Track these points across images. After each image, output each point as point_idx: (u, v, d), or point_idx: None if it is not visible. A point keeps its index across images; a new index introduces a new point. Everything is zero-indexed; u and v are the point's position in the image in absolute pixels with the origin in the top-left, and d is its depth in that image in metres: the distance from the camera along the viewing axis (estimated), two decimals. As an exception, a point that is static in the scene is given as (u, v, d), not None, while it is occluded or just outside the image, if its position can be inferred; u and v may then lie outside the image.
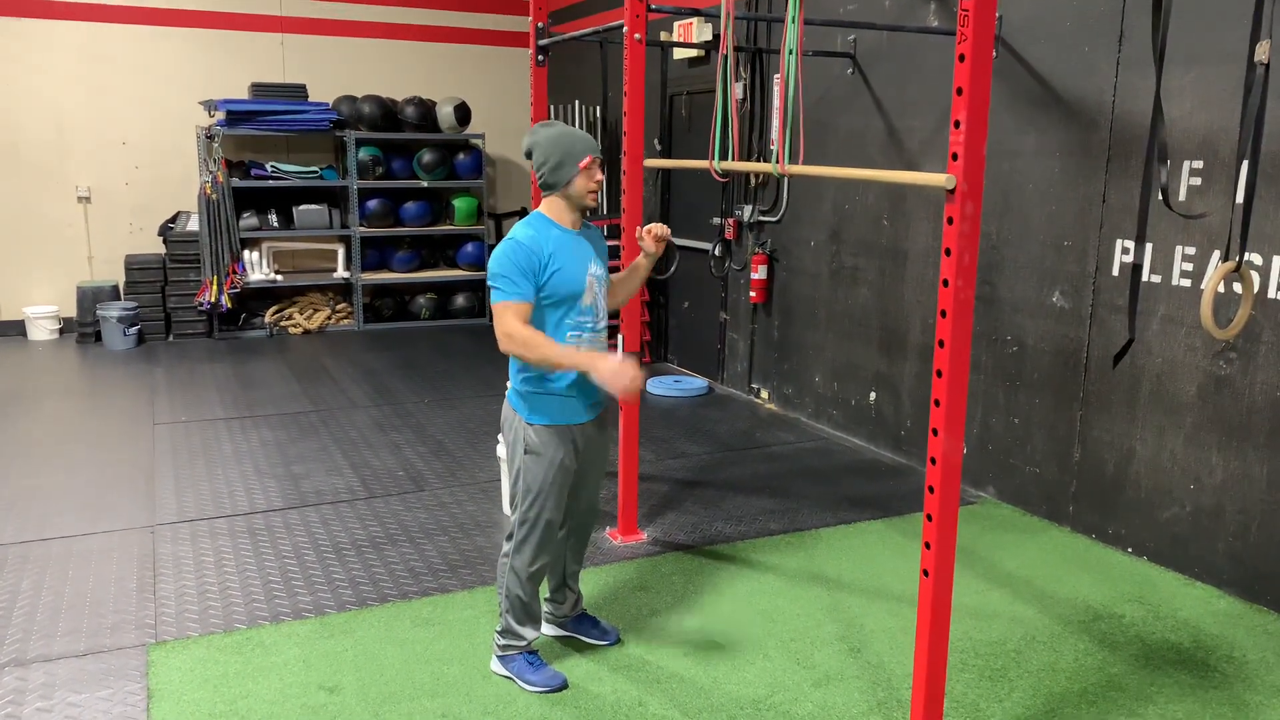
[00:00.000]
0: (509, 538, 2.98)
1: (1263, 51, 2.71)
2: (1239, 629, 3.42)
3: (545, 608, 3.27)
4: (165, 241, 8.33)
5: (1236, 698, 2.98)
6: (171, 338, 8.34)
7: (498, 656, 3.08)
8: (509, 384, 2.96)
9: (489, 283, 2.80)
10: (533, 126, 2.96)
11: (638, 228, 3.34)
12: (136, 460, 5.13)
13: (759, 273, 6.28)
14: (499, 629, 3.07)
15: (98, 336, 8.08)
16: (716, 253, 6.32)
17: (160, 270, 8.29)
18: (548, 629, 3.30)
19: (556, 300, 2.82)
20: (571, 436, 2.91)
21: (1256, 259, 3.49)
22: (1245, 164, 2.87)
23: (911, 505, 4.56)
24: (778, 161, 3.06)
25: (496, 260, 2.78)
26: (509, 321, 2.74)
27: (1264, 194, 3.39)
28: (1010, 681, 3.07)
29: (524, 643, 3.03)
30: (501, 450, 4.33)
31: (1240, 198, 2.95)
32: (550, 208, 2.91)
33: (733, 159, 3.43)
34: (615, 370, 2.66)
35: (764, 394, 6.51)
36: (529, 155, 2.90)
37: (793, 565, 3.92)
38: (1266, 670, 3.15)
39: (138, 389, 6.64)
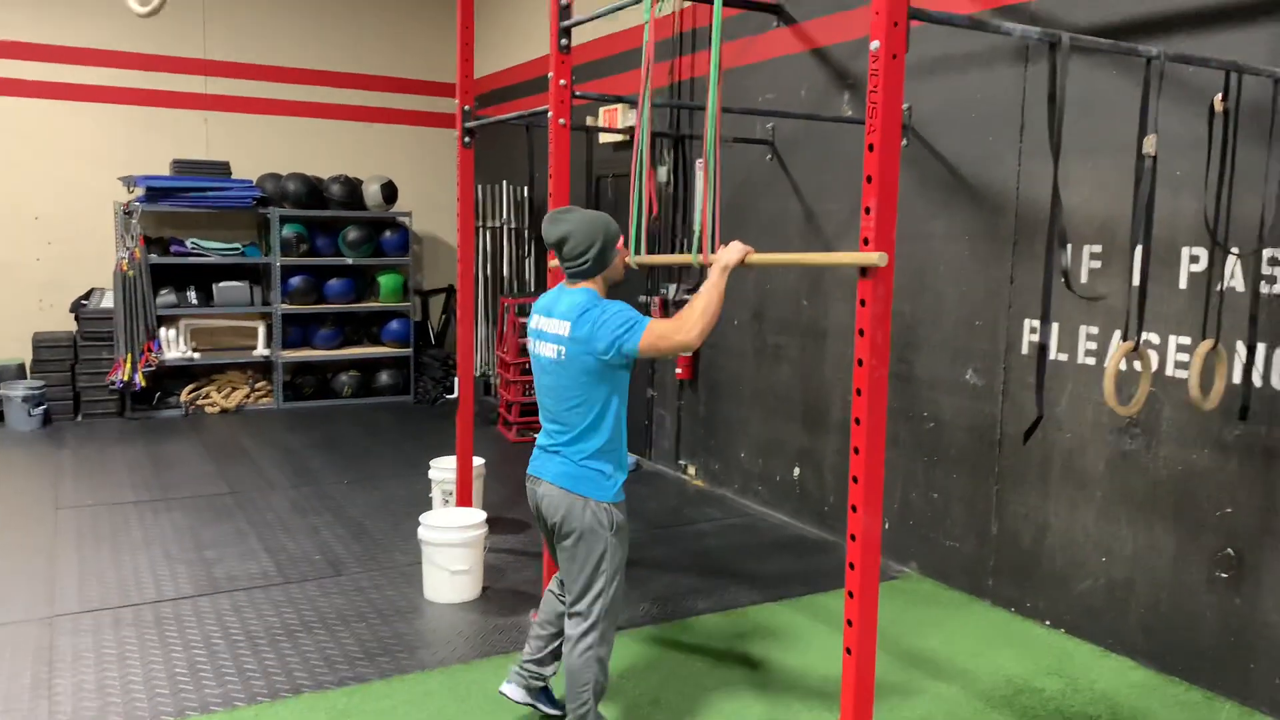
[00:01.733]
0: (587, 631, 2.91)
1: (1150, 145, 2.89)
2: (1153, 700, 3.49)
3: (528, 669, 3.22)
4: (77, 318, 8.10)
5: (1153, 769, 3.03)
6: (80, 418, 8.04)
7: None
8: (554, 469, 2.94)
9: (622, 332, 2.80)
10: (550, 213, 3.00)
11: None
12: (36, 547, 4.90)
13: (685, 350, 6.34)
14: None
15: (0, 417, 7.75)
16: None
17: (71, 348, 8.03)
18: (515, 691, 3.21)
19: (630, 364, 2.91)
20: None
21: (1154, 338, 3.65)
22: (1139, 249, 3.03)
23: (836, 581, 4.57)
24: (699, 252, 3.13)
25: (616, 314, 2.83)
26: (659, 328, 2.80)
27: (1158, 277, 3.57)
28: (935, 759, 3.07)
29: None
30: (427, 534, 4.25)
31: (1136, 280, 3.11)
32: (597, 288, 2.98)
33: (645, 250, 3.49)
34: (738, 249, 2.91)
35: (691, 470, 6.53)
36: (559, 244, 2.93)
37: (719, 645, 3.89)
38: (1181, 741, 3.20)
39: (41, 472, 6.37)
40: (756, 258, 2.91)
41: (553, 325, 2.94)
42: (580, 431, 2.90)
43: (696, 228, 3.20)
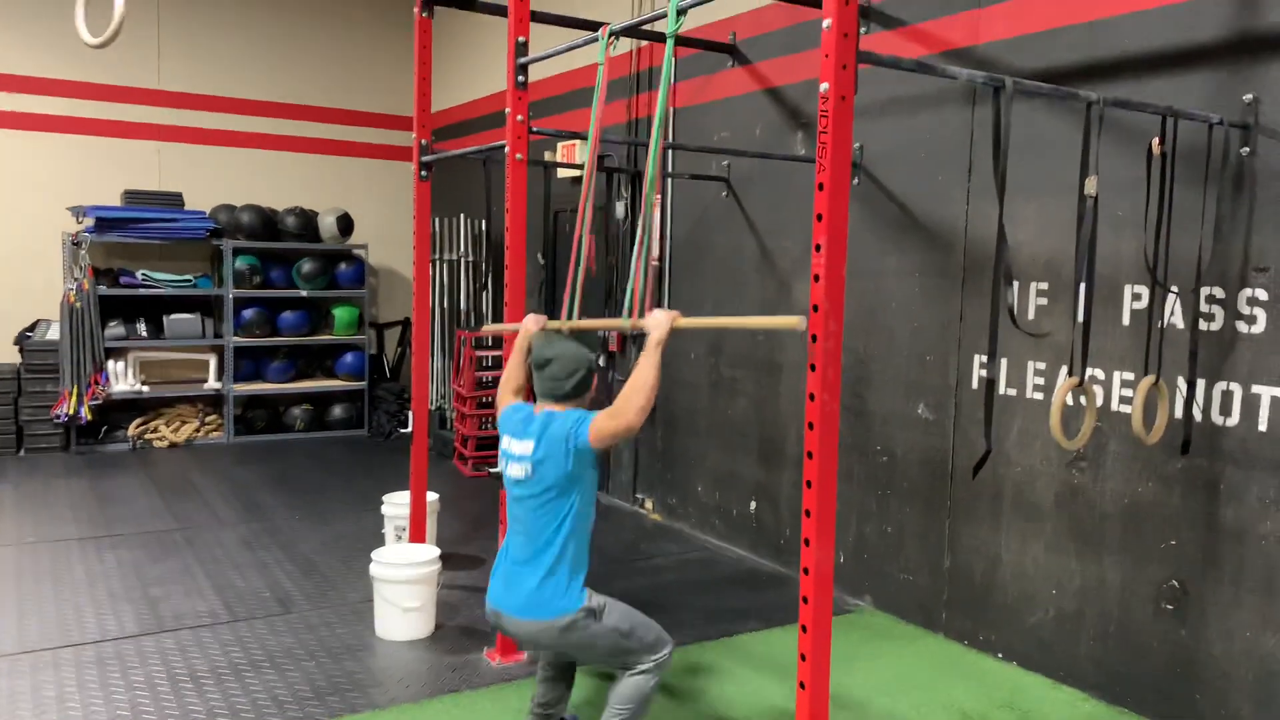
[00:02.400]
0: (646, 670, 3.09)
1: (1091, 186, 2.97)
2: (1103, 731, 3.53)
3: (540, 712, 3.27)
4: (21, 350, 7.92)
5: (1103, 801, 3.06)
6: (23, 452, 7.84)
7: None
8: (516, 600, 3.03)
9: (577, 429, 2.95)
10: (542, 336, 3.19)
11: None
12: (-27, 586, 4.75)
13: (641, 384, 6.36)
14: None
15: (-61, 451, 7.54)
16: (601, 364, 6.39)
17: (14, 380, 7.85)
18: None
19: (593, 463, 3.06)
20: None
21: (1099, 373, 3.74)
22: (1082, 286, 3.11)
23: (791, 615, 4.56)
24: (630, 315, 3.26)
25: (564, 418, 3.00)
26: (599, 420, 2.93)
27: (1100, 314, 3.66)
28: (890, 794, 3.07)
29: None
30: (379, 570, 4.20)
31: (1080, 317, 3.18)
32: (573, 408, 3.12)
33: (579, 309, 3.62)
34: (666, 317, 3.00)
35: (649, 504, 6.52)
36: (545, 364, 3.09)
37: (674, 681, 3.87)
38: (1130, 772, 3.24)
39: (-20, 508, 6.19)
40: (684, 322, 3.02)
41: (519, 446, 3.07)
42: (545, 541, 3.03)
43: (629, 290, 3.32)
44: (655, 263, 6.30)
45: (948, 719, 3.60)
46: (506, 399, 3.38)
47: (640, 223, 3.29)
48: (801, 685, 2.52)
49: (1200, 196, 3.34)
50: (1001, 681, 3.94)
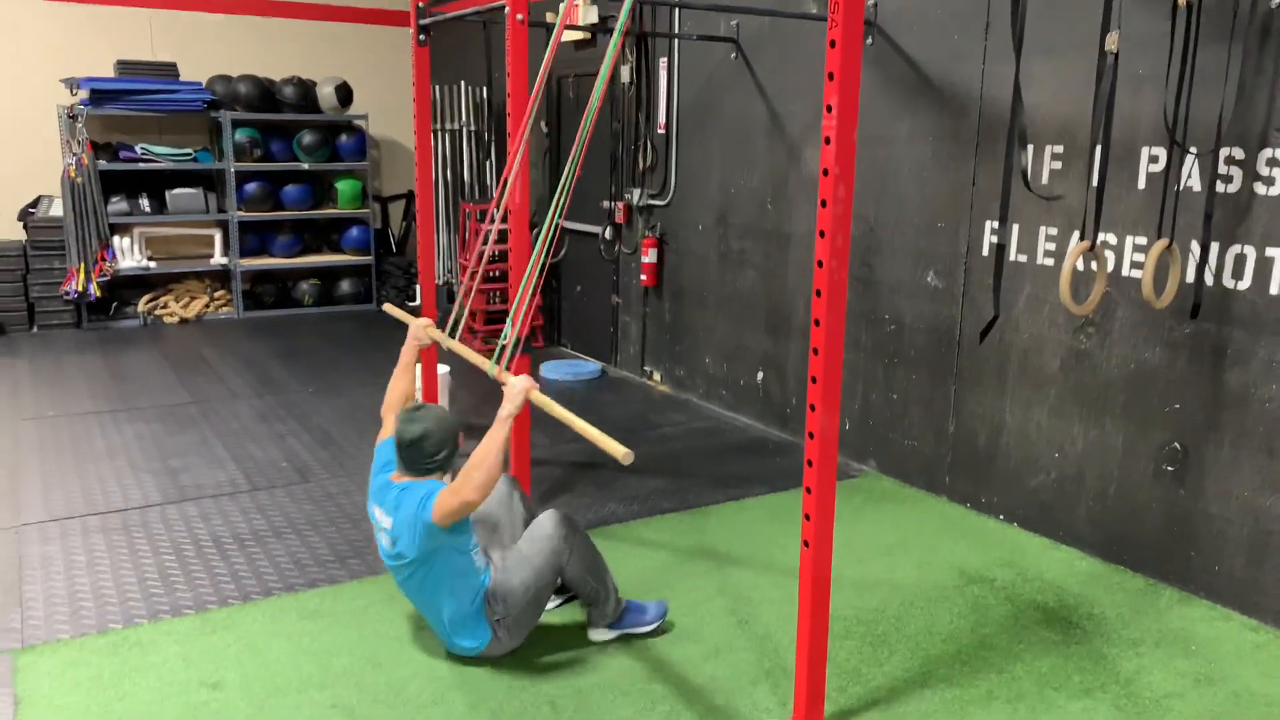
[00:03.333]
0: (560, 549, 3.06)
1: (1112, 42, 2.87)
2: (1099, 588, 3.64)
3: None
4: (26, 227, 7.88)
5: (1096, 651, 3.18)
6: (36, 329, 7.90)
7: (609, 626, 3.19)
8: (452, 641, 3.06)
9: (422, 509, 2.87)
10: (404, 411, 3.04)
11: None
12: (-2, 458, 4.87)
13: (649, 256, 6.33)
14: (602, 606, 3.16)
15: (-48, 329, 7.60)
16: (607, 236, 6.34)
17: (21, 258, 7.83)
18: (597, 633, 3.24)
19: (450, 531, 2.92)
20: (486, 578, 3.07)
21: (1111, 239, 3.70)
22: (1098, 149, 3.04)
23: (796, 480, 4.66)
24: (498, 364, 3.18)
25: (412, 496, 2.91)
26: (442, 498, 2.83)
27: (1115, 177, 3.59)
28: (890, 646, 3.20)
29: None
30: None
31: (1095, 181, 3.13)
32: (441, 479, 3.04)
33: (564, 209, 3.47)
34: (522, 389, 2.92)
35: (657, 376, 6.58)
36: (416, 441, 2.96)
37: (684, 542, 3.99)
38: (1123, 625, 3.36)
39: (-2, 383, 6.29)
40: (537, 398, 2.92)
41: (380, 516, 3.03)
42: (426, 606, 3.03)
43: (502, 337, 3.19)
44: (661, 130, 6.17)
45: (948, 576, 3.72)
46: (390, 416, 3.33)
47: (546, 222, 3.07)
48: (806, 544, 2.59)
49: (1224, 52, 3.23)
50: (1001, 542, 4.05)
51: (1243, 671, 3.08)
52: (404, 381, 3.47)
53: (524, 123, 3.52)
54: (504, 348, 3.16)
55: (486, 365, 3.23)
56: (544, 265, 3.27)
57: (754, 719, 2.79)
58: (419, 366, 4.90)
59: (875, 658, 3.13)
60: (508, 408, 2.90)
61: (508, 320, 3.28)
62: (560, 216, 3.16)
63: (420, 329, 3.56)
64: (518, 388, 2.93)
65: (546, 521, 3.07)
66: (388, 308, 4.30)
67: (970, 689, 2.95)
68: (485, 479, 2.80)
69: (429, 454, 2.97)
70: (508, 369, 3.11)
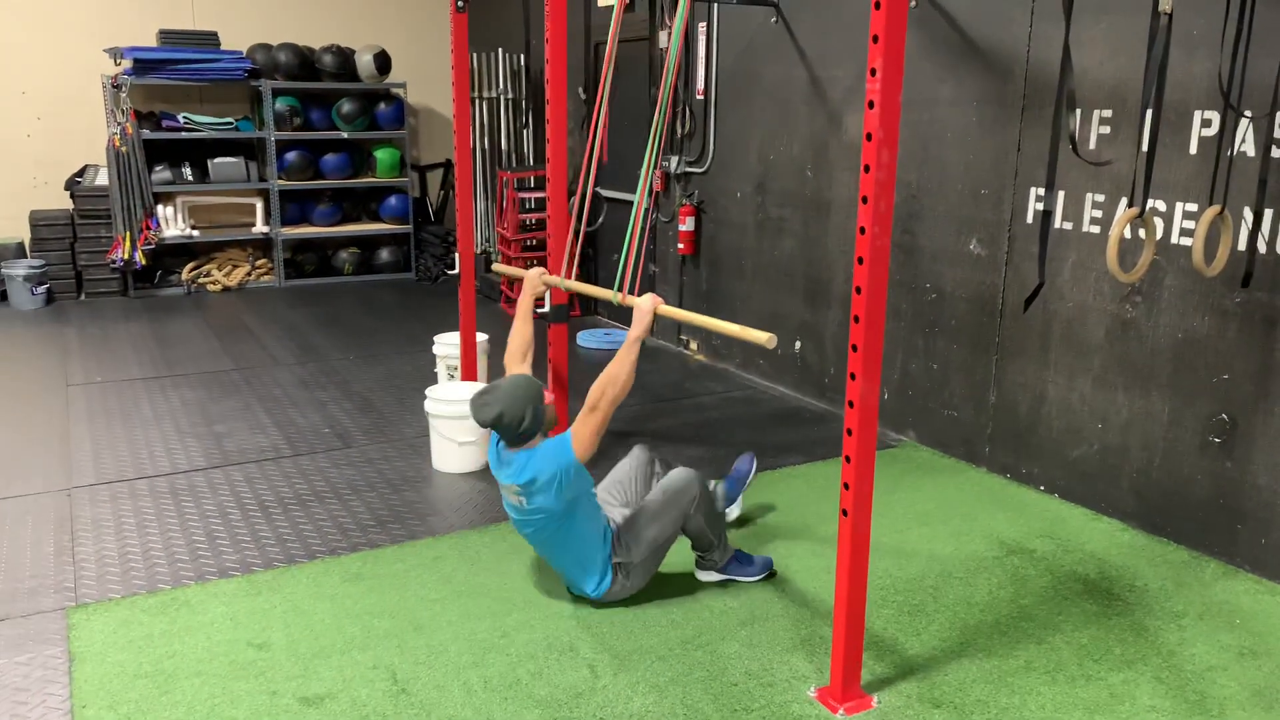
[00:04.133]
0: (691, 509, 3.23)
1: (1166, 1, 2.79)
2: (1141, 560, 3.60)
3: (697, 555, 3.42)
4: (73, 196, 8.02)
5: (1137, 623, 3.15)
6: (83, 296, 8.06)
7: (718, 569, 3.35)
8: (577, 582, 3.20)
9: (562, 462, 2.99)
10: (474, 398, 3.11)
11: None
12: (50, 423, 4.98)
13: (687, 224, 6.30)
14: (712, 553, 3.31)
15: (3, 296, 7.76)
16: (653, 216, 6.31)
17: (69, 226, 7.98)
18: (706, 575, 3.41)
19: (586, 480, 3.11)
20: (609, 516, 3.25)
21: (1160, 205, 3.61)
22: (1149, 113, 2.97)
23: (834, 450, 4.66)
24: (620, 290, 3.41)
25: (544, 456, 3.02)
26: (577, 428, 3.00)
27: (1167, 142, 3.51)
28: (928, 616, 3.19)
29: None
30: (434, 406, 4.31)
31: (1145, 145, 3.05)
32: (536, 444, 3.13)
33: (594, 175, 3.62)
34: (649, 308, 3.16)
35: (693, 345, 6.57)
36: (496, 423, 3.03)
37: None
38: (1165, 597, 3.32)
39: (49, 350, 6.42)
40: (665, 310, 3.15)
41: (504, 484, 3.13)
42: (561, 556, 3.17)
43: (620, 265, 3.38)
44: (699, 96, 6.11)
45: (986, 547, 3.70)
46: (514, 365, 3.52)
47: (640, 184, 3.26)
48: (844, 513, 2.58)
49: (1284, 12, 3.12)
50: (1042, 513, 4.02)
51: (1289, 645, 3.04)
52: (524, 330, 3.64)
53: (602, 86, 3.62)
54: (623, 275, 3.42)
55: (610, 295, 3.54)
56: (576, 233, 3.36)
57: (791, 686, 2.80)
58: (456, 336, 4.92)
59: (912, 627, 3.12)
60: (637, 330, 3.11)
61: (624, 249, 3.50)
62: (591, 183, 3.33)
63: (535, 277, 3.77)
64: (644, 308, 3.14)
65: (679, 478, 3.23)
66: (497, 267, 4.66)
67: (1008, 659, 2.94)
68: (618, 394, 3.01)
69: (516, 428, 3.04)
70: (632, 293, 3.33)
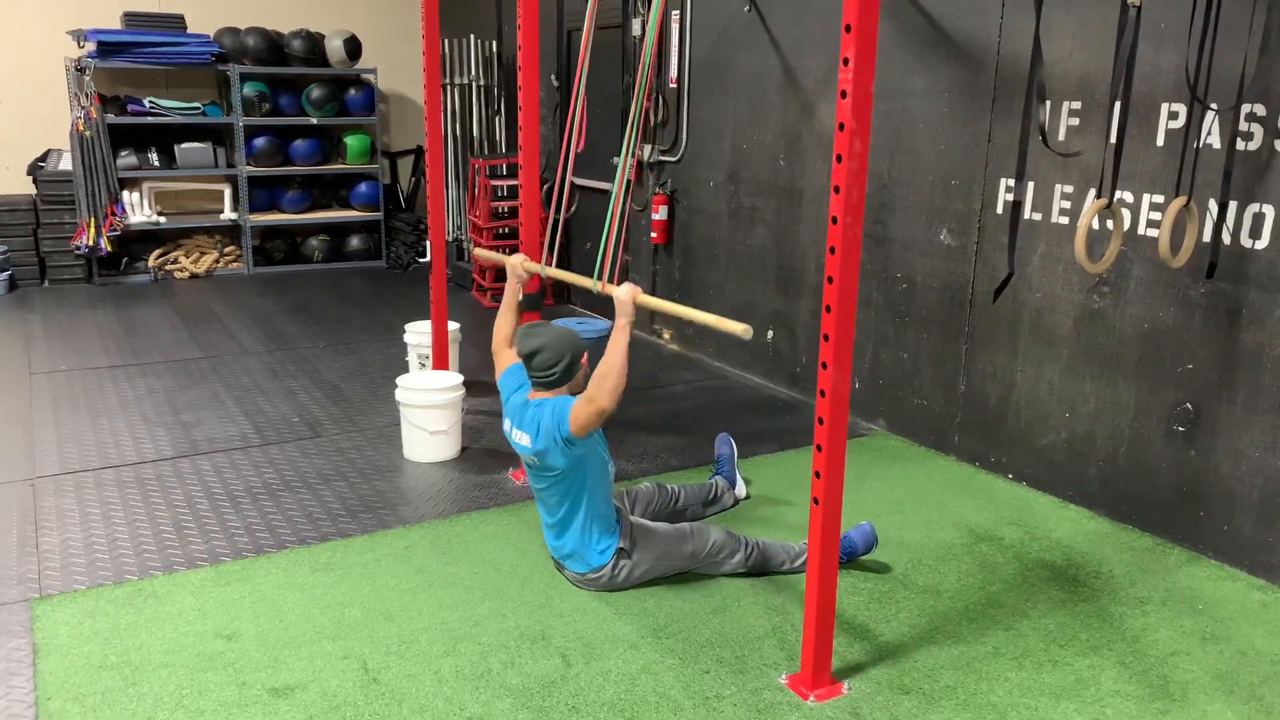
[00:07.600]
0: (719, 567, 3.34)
1: (1135, -6, 2.81)
2: (1107, 547, 3.65)
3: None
4: (35, 181, 7.87)
5: (1103, 609, 3.20)
6: (47, 283, 7.92)
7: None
8: (563, 555, 3.27)
9: (560, 424, 3.05)
10: (524, 327, 3.26)
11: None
12: (12, 411, 4.90)
13: (660, 213, 6.29)
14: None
15: (-36, 283, 7.62)
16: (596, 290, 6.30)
17: (31, 212, 7.83)
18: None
19: (593, 439, 3.16)
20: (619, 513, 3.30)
21: (1128, 197, 3.65)
22: (1117, 105, 3.00)
23: (805, 438, 4.69)
24: (600, 279, 3.46)
25: (549, 414, 3.09)
26: (579, 403, 3.02)
27: (1134, 134, 3.54)
28: (897, 603, 3.22)
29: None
30: (405, 395, 4.29)
31: (1113, 137, 3.08)
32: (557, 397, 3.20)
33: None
34: (629, 297, 3.14)
35: (666, 334, 6.57)
36: (532, 355, 3.15)
37: (692, 500, 4.00)
38: (1130, 583, 3.37)
39: (11, 337, 6.31)
40: (644, 299, 3.14)
41: (520, 435, 3.22)
42: (567, 511, 3.20)
43: (600, 254, 3.42)
44: (673, 84, 6.10)
45: (955, 534, 3.73)
46: (502, 351, 3.56)
47: (619, 174, 3.29)
48: (815, 501, 2.60)
49: (1249, 6, 3.16)
50: (1010, 500, 4.06)
51: (1249, 630, 3.10)
52: (510, 318, 3.66)
53: (579, 73, 3.55)
54: (601, 264, 3.45)
55: (589, 283, 3.54)
56: (555, 222, 3.36)
57: (762, 673, 2.82)
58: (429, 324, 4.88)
59: (883, 614, 3.15)
60: (624, 318, 3.12)
61: (603, 237, 3.53)
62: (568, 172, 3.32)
63: (518, 264, 3.73)
64: (624, 296, 3.14)
65: (703, 526, 3.36)
66: (477, 252, 4.59)
67: (977, 645, 2.97)
68: (616, 384, 3.00)
69: (549, 365, 3.14)
70: (610, 282, 3.35)
